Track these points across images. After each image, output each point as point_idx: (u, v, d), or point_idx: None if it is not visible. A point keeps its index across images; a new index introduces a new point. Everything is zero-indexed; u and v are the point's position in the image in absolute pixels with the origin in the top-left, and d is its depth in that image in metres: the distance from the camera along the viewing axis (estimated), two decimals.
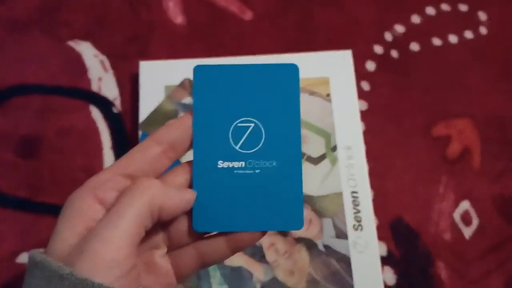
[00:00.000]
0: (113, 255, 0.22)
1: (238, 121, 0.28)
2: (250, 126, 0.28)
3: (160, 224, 0.26)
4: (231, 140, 0.28)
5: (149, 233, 0.25)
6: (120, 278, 0.22)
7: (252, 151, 0.28)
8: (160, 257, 0.27)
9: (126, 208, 0.23)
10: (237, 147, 0.28)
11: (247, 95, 0.28)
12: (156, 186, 0.25)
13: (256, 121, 0.28)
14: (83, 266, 0.22)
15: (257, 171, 0.27)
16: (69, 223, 0.24)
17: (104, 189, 0.25)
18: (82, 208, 0.24)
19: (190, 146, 0.28)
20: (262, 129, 0.28)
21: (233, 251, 0.28)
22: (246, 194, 0.27)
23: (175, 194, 0.25)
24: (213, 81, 0.28)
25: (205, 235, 0.28)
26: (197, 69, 0.28)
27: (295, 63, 0.28)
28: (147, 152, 0.26)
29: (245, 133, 0.28)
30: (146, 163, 0.26)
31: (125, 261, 0.23)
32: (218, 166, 0.27)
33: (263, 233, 0.28)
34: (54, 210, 0.45)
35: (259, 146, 0.28)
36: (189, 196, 0.26)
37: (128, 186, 0.25)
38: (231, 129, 0.28)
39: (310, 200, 0.44)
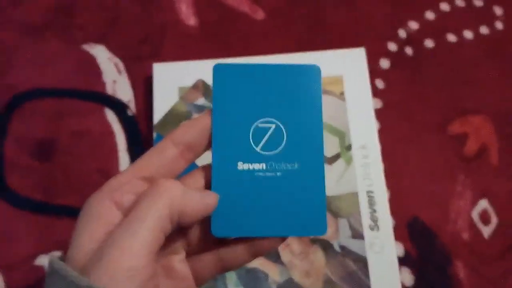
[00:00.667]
0: (132, 263, 0.22)
1: (258, 121, 0.27)
2: (271, 127, 0.27)
3: (178, 229, 0.26)
4: (251, 141, 0.27)
5: (167, 238, 0.25)
6: None
7: (274, 152, 0.27)
8: (179, 262, 0.27)
9: (145, 213, 0.23)
10: (257, 149, 0.27)
11: (268, 95, 0.27)
12: (175, 188, 0.24)
13: (277, 122, 0.27)
14: (101, 275, 0.21)
15: (278, 173, 0.26)
16: (88, 228, 0.24)
17: (121, 193, 0.25)
18: (100, 212, 0.24)
19: (208, 146, 0.27)
20: (284, 130, 0.27)
21: (253, 256, 0.27)
22: (266, 198, 0.26)
23: (196, 198, 0.25)
24: (233, 80, 0.27)
25: (225, 240, 0.27)
26: (217, 68, 0.27)
27: (317, 65, 0.27)
28: (164, 154, 0.26)
29: (266, 134, 0.27)
30: (163, 165, 0.26)
31: (144, 270, 0.22)
32: (238, 168, 0.26)
33: (284, 238, 0.27)
34: (70, 212, 0.46)
35: (280, 148, 0.27)
36: (210, 200, 0.25)
37: (147, 189, 0.24)
38: (251, 130, 0.27)
39: None
